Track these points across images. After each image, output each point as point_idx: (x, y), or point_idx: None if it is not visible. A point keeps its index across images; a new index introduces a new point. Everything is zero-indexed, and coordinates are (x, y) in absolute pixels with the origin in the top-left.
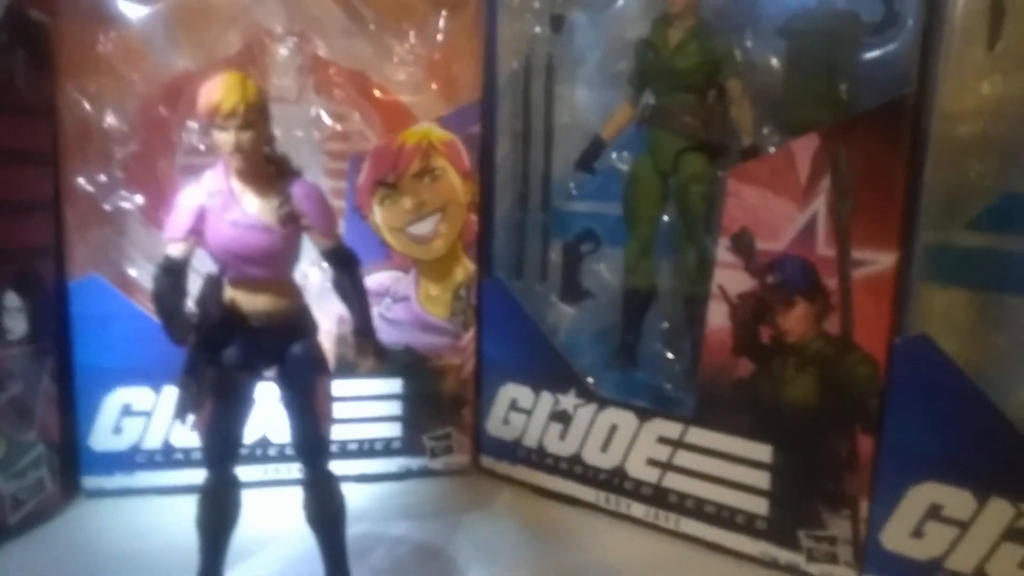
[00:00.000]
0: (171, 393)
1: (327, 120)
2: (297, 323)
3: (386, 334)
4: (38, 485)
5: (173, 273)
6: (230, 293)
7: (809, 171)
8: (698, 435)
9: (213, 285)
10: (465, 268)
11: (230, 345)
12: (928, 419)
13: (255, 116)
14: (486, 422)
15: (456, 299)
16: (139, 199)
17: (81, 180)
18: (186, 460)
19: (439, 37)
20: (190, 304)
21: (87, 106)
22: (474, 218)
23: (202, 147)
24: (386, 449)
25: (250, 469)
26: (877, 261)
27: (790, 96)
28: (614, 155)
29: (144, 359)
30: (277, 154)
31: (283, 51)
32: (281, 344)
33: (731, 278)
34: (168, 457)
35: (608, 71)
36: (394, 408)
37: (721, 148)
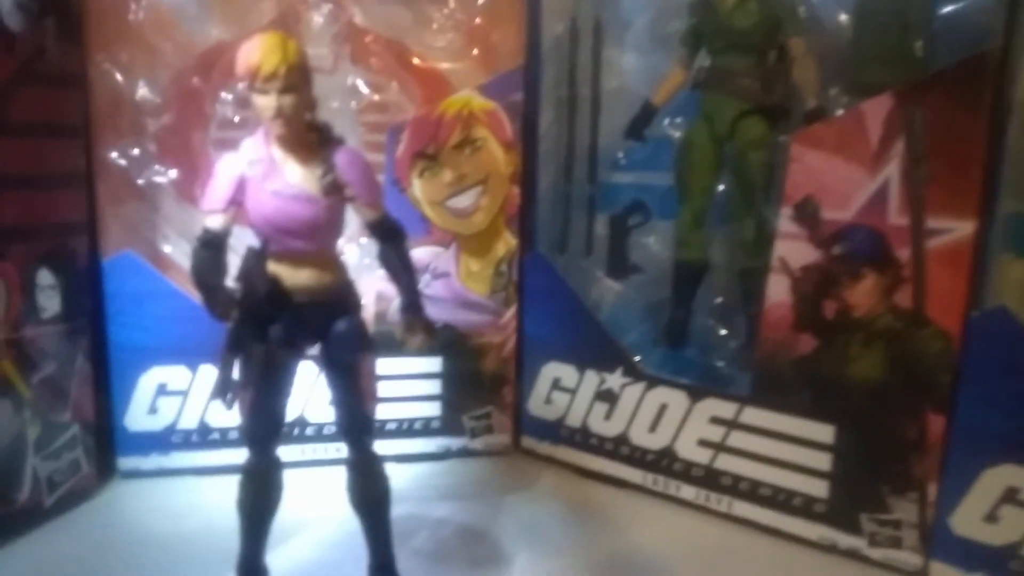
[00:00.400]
0: (207, 372)
1: (364, 90)
2: (342, 299)
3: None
4: (73, 466)
5: (213, 247)
6: (272, 267)
7: (881, 134)
8: (754, 415)
9: (257, 258)
10: (507, 243)
11: (274, 322)
12: (1005, 397)
13: (297, 79)
14: (527, 401)
15: (497, 275)
16: (173, 173)
17: (113, 154)
18: (223, 440)
19: (480, 1)
20: (230, 280)
21: (119, 77)
22: (516, 190)
23: (237, 119)
24: (425, 429)
25: (288, 449)
26: (954, 230)
27: (860, 55)
28: (665, 121)
29: (179, 338)
30: (319, 121)
31: (318, 19)
32: (325, 321)
33: (793, 249)
34: (204, 437)
35: (659, 32)
36: (433, 387)
37: (783, 111)
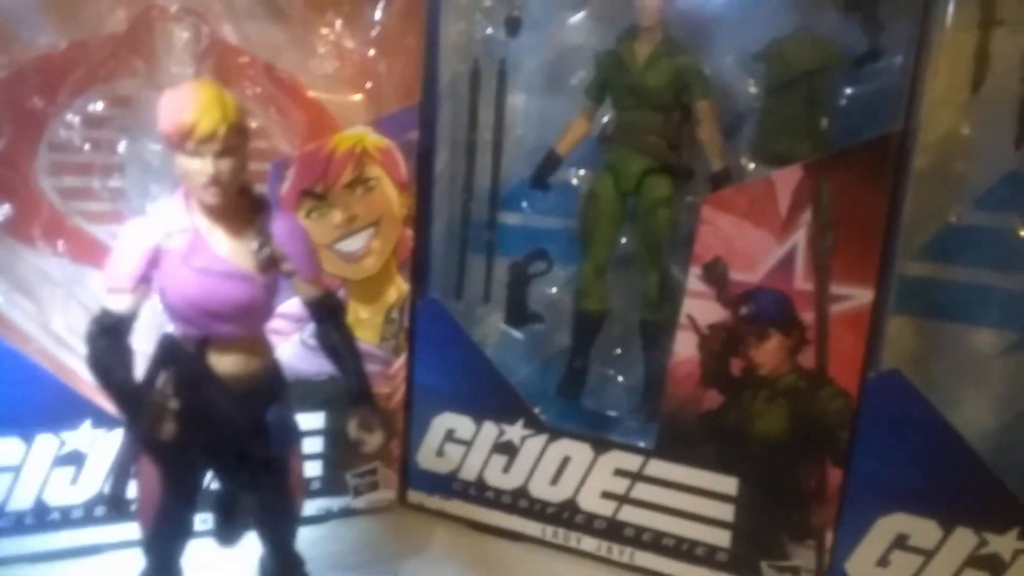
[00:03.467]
0: (45, 442)
1: None
2: (269, 386)
3: (308, 363)
4: None
5: (115, 334)
6: (189, 351)
7: (790, 203)
8: (659, 467)
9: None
10: (398, 288)
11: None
12: (897, 451)
13: (236, 139)
14: (417, 454)
15: (388, 322)
16: (4, 210)
17: None
18: (64, 520)
19: (373, 32)
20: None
21: None
22: (410, 233)
23: (87, 146)
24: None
25: None
26: (855, 296)
27: (767, 125)
28: (571, 170)
29: (10, 404)
30: (247, 181)
31: (180, 33)
32: (251, 411)
33: (701, 308)
34: (41, 518)
35: (563, 82)
36: (314, 445)
37: (688, 171)
